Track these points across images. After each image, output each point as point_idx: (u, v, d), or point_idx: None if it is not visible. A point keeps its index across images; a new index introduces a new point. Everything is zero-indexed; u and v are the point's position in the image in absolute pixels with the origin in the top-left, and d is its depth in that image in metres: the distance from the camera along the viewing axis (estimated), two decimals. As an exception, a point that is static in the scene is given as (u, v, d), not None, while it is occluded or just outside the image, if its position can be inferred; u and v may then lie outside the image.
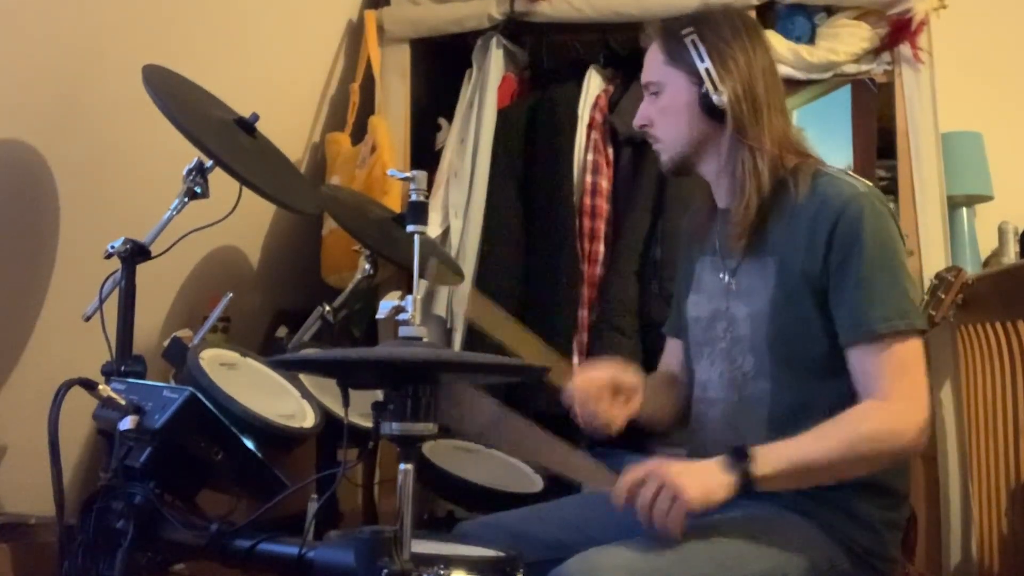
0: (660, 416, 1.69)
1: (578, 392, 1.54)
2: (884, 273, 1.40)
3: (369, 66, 2.63)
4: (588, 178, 2.43)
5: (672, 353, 1.77)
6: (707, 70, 1.50)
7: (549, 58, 2.73)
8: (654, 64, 1.58)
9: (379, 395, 1.22)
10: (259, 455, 1.50)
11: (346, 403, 1.25)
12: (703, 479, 1.32)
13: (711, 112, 1.50)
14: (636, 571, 1.28)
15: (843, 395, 1.43)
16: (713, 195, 1.62)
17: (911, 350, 1.39)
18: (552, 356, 1.67)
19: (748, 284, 1.52)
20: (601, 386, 1.55)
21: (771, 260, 1.49)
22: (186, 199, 1.72)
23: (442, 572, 1.21)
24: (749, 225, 1.49)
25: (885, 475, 1.45)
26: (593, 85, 2.53)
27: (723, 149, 1.53)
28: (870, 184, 1.48)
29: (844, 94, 2.49)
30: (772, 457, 1.34)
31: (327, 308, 2.11)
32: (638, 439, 2.46)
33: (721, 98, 1.49)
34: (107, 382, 1.51)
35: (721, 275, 1.57)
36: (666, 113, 1.56)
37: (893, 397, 1.37)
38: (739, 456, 1.34)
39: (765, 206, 1.49)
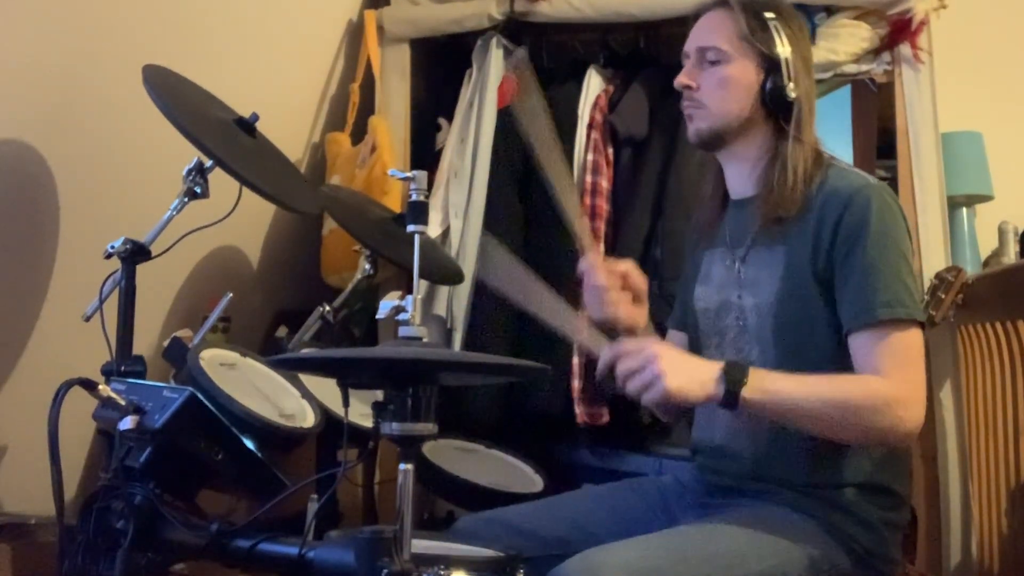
0: None
1: (601, 286, 1.57)
2: (888, 263, 1.40)
3: (369, 66, 2.63)
4: (588, 178, 2.43)
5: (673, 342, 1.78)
6: (787, 61, 1.50)
7: (549, 58, 2.73)
8: (724, 32, 1.54)
9: (379, 395, 1.22)
10: (259, 455, 1.50)
11: (346, 403, 1.25)
12: (689, 375, 1.35)
13: (772, 99, 1.51)
14: (636, 571, 1.28)
15: None
16: (726, 184, 1.62)
17: (912, 340, 1.39)
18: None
19: (756, 274, 1.52)
20: (618, 278, 1.59)
21: (780, 250, 1.49)
22: (186, 199, 1.73)
23: (442, 572, 1.21)
24: (789, 211, 1.48)
25: (887, 476, 1.46)
26: (593, 85, 2.53)
27: (768, 138, 1.53)
28: (880, 180, 1.49)
29: (844, 94, 2.49)
30: (765, 385, 1.35)
31: (327, 308, 2.11)
32: (639, 439, 2.48)
33: (795, 92, 1.50)
34: (107, 382, 1.51)
35: (730, 265, 1.57)
36: (724, 85, 1.53)
37: (897, 381, 1.36)
38: (734, 373, 1.35)
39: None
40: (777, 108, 1.51)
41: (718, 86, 1.53)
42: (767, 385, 1.35)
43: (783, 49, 1.50)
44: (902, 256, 1.42)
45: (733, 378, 1.34)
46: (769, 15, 1.52)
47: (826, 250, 1.43)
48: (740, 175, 1.59)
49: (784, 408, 1.36)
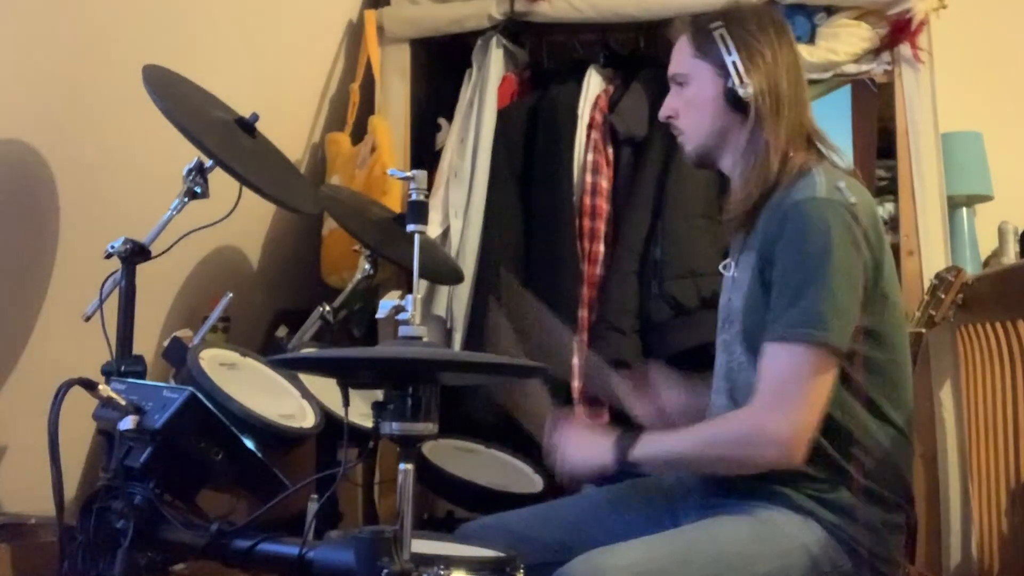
0: None
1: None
2: (804, 278, 1.38)
3: (369, 66, 2.63)
4: (588, 178, 2.43)
5: None
6: (734, 63, 1.52)
7: (549, 58, 2.73)
8: (681, 57, 1.60)
9: (379, 395, 1.22)
10: (259, 455, 1.50)
11: (346, 403, 1.25)
12: (584, 450, 1.52)
13: (736, 105, 1.52)
14: (641, 572, 1.28)
15: None
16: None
17: (805, 361, 1.37)
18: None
19: (739, 277, 1.55)
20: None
21: (750, 255, 1.51)
22: (186, 199, 1.72)
23: (442, 572, 1.22)
24: (742, 214, 1.51)
25: (882, 483, 1.45)
26: (593, 85, 2.53)
27: (742, 142, 1.54)
28: (843, 188, 1.44)
29: (844, 94, 2.49)
30: (649, 444, 1.47)
31: (327, 308, 2.11)
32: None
33: (746, 91, 1.51)
34: (107, 382, 1.51)
35: (728, 269, 1.60)
36: (691, 105, 1.58)
37: (764, 406, 1.38)
38: (624, 440, 1.47)
39: (761, 201, 1.50)
40: (741, 111, 1.53)
41: (688, 108, 1.59)
42: (652, 444, 1.47)
43: (727, 54, 1.52)
44: (828, 272, 1.37)
45: (623, 444, 1.47)
46: (715, 24, 1.55)
47: (771, 262, 1.44)
48: (735, 181, 1.61)
49: (667, 458, 1.49)
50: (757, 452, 1.39)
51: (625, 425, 2.42)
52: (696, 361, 1.73)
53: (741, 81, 1.51)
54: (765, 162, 1.49)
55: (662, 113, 1.63)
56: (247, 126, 1.84)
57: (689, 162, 1.64)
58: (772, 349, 1.39)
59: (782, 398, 1.37)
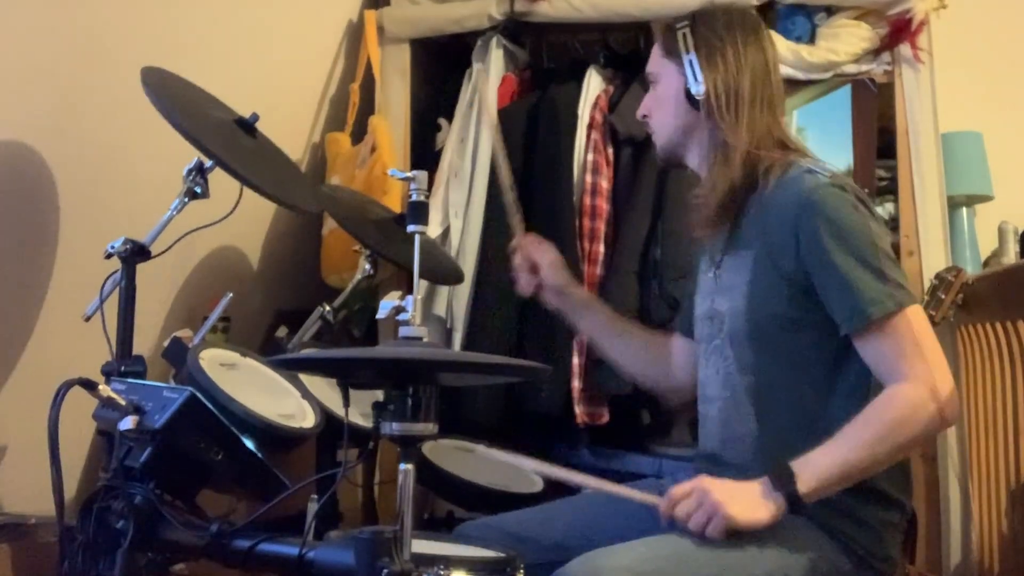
0: (626, 363, 1.82)
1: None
2: (857, 259, 1.39)
3: (369, 66, 2.63)
4: (588, 178, 2.43)
5: (678, 347, 1.79)
6: (690, 61, 1.54)
7: (549, 58, 2.73)
8: (654, 56, 1.64)
9: (379, 395, 1.22)
10: (259, 455, 1.50)
11: (346, 403, 1.25)
12: (744, 499, 1.34)
13: (694, 103, 1.55)
14: (638, 573, 1.28)
15: (831, 384, 1.45)
16: None
17: (912, 324, 1.39)
18: None
19: (729, 279, 1.54)
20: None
21: (746, 254, 1.50)
22: (186, 199, 1.72)
23: (442, 572, 1.22)
24: (713, 214, 1.52)
25: (879, 480, 1.45)
26: (593, 85, 2.53)
27: (704, 140, 1.57)
28: (838, 174, 1.47)
29: (844, 94, 2.49)
30: (813, 470, 1.34)
31: (327, 308, 2.11)
32: (639, 439, 2.48)
33: (699, 88, 1.53)
34: (107, 382, 1.51)
35: (709, 271, 1.60)
36: (659, 103, 1.62)
37: (911, 378, 1.36)
38: (782, 477, 1.34)
39: (739, 200, 1.51)
40: (701, 108, 1.54)
41: (656, 106, 1.63)
42: (814, 468, 1.35)
43: (685, 53, 1.55)
44: (869, 245, 1.40)
45: (784, 483, 1.34)
46: (680, 24, 1.57)
47: (792, 255, 1.43)
48: (703, 178, 1.61)
49: (842, 474, 1.35)
50: (920, 426, 1.35)
51: (627, 424, 2.43)
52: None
53: (695, 79, 1.53)
54: (727, 160, 1.51)
55: (638, 112, 1.67)
56: (247, 126, 1.84)
57: (658, 160, 1.67)
58: (867, 339, 1.39)
59: (909, 369, 1.36)
